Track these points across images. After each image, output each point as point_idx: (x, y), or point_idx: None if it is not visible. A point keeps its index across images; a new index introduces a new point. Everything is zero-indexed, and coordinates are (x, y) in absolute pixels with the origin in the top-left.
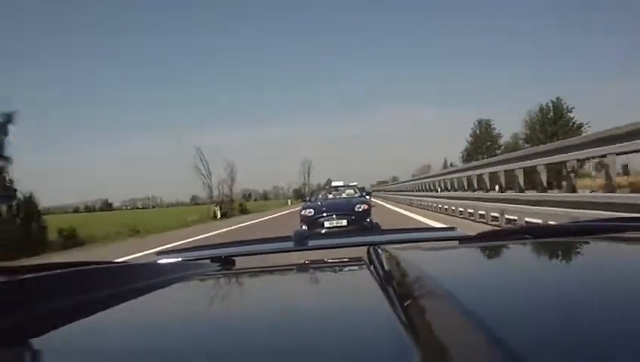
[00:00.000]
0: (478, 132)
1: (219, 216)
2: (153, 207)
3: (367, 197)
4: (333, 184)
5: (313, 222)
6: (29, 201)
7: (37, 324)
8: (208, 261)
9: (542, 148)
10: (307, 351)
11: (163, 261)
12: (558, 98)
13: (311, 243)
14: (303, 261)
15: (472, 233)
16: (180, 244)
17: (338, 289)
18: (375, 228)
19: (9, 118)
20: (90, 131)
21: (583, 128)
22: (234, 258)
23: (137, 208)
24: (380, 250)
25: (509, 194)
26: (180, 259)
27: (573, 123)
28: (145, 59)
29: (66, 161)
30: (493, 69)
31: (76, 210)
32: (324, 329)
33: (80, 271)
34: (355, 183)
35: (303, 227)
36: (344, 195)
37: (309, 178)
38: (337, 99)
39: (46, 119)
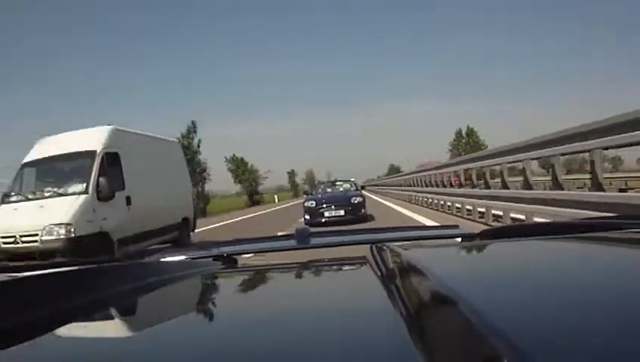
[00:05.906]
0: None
1: (277, 200)
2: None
3: (362, 191)
4: (337, 179)
5: (315, 212)
6: None
7: (40, 323)
8: (211, 259)
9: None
10: (311, 349)
11: (166, 259)
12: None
13: (313, 241)
14: (305, 259)
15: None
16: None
17: (341, 287)
18: (369, 218)
19: None
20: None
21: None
22: (237, 256)
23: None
24: (383, 248)
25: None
26: (183, 258)
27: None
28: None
29: None
30: None
31: None
32: (328, 328)
33: (83, 269)
34: (353, 179)
35: (306, 216)
36: (342, 189)
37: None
38: (340, 97)
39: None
